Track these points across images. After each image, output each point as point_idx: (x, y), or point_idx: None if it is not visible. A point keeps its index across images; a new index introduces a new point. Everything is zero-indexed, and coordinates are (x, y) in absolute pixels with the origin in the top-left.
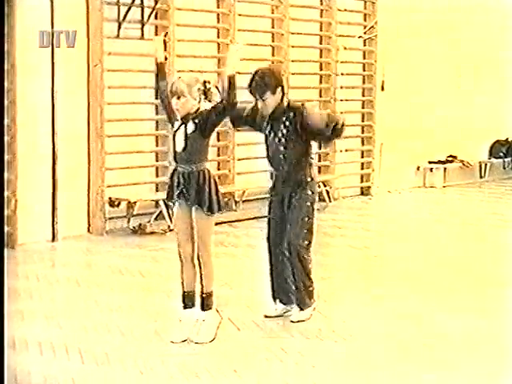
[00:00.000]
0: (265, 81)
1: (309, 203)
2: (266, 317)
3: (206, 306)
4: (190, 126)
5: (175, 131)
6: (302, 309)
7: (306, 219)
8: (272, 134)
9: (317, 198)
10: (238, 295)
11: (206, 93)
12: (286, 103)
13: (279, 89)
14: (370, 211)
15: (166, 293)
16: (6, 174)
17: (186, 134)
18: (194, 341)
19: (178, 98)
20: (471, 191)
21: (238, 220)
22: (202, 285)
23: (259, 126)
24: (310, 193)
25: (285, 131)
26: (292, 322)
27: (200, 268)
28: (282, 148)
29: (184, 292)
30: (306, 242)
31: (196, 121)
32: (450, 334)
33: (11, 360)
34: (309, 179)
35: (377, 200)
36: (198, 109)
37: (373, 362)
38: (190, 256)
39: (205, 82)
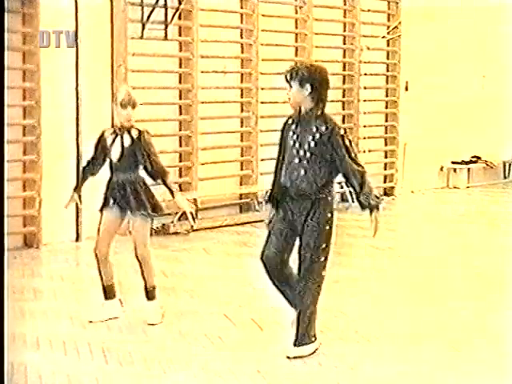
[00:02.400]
0: (298, 69)
1: (328, 227)
2: None
3: (151, 297)
4: (127, 139)
5: (111, 144)
6: (300, 344)
7: (324, 246)
8: (297, 144)
9: (335, 220)
10: (261, 295)
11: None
12: (319, 112)
13: (308, 86)
14: (393, 212)
15: (188, 293)
16: (30, 174)
17: (122, 146)
18: (148, 322)
19: (133, 107)
20: (495, 192)
21: (262, 220)
22: (144, 281)
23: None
24: (329, 215)
25: (313, 144)
26: (288, 357)
27: (141, 266)
28: (305, 162)
29: (104, 286)
30: (322, 274)
31: (133, 136)
32: (476, 336)
33: (35, 359)
34: (329, 198)
35: (400, 200)
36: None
37: (396, 363)
38: (105, 255)
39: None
